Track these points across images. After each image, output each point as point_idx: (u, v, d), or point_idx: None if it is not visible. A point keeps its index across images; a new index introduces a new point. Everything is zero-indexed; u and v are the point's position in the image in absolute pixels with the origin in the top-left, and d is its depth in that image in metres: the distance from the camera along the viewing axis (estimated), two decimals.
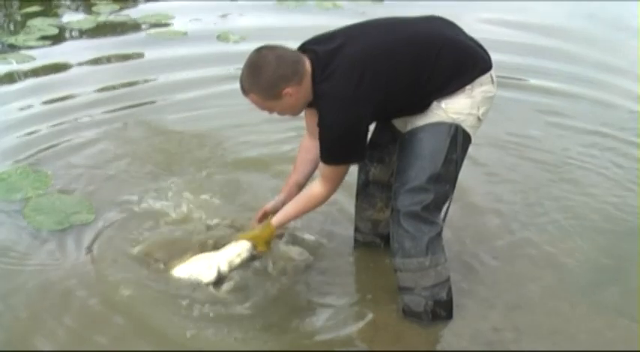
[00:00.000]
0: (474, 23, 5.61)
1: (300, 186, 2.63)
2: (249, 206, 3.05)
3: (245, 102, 2.34)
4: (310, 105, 2.34)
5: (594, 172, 3.69)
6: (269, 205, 2.66)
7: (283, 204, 2.60)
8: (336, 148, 2.32)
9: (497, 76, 2.42)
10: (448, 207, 2.49)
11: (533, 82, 5.05)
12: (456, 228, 2.69)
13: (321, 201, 2.50)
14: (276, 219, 2.55)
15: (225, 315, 2.46)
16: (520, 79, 4.98)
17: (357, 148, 2.34)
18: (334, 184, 2.43)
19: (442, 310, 2.43)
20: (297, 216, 2.59)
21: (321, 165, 2.41)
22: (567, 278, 2.80)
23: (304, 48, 2.32)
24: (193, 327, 2.40)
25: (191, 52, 5.48)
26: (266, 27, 6.00)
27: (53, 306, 2.51)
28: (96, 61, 5.33)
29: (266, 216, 2.63)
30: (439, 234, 2.37)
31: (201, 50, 5.51)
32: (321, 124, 2.29)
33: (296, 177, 2.65)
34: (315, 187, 2.48)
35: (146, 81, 4.90)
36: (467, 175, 2.73)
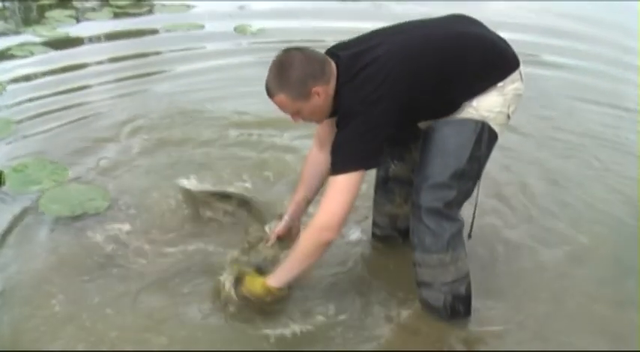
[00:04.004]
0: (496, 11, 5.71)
1: (309, 202, 2.56)
2: (279, 196, 3.05)
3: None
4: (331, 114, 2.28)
5: (617, 152, 3.73)
6: (279, 228, 2.53)
7: (293, 221, 2.53)
8: (352, 151, 2.16)
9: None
10: (473, 219, 2.45)
11: (550, 59, 5.24)
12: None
13: (332, 233, 2.18)
14: (275, 279, 2.29)
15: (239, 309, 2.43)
16: (536, 56, 5.12)
17: (375, 152, 2.19)
18: (348, 198, 2.16)
19: (461, 305, 2.40)
20: (303, 265, 2.28)
21: (332, 180, 2.18)
22: (588, 270, 2.77)
23: (328, 53, 2.27)
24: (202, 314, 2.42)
25: (208, 42, 5.52)
26: (284, 19, 6.02)
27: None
28: (113, 52, 5.35)
29: (281, 239, 2.53)
30: (460, 230, 2.33)
31: (218, 42, 5.54)
32: (340, 125, 2.19)
33: (304, 193, 2.54)
34: (319, 217, 2.19)
35: (162, 71, 4.93)
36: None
